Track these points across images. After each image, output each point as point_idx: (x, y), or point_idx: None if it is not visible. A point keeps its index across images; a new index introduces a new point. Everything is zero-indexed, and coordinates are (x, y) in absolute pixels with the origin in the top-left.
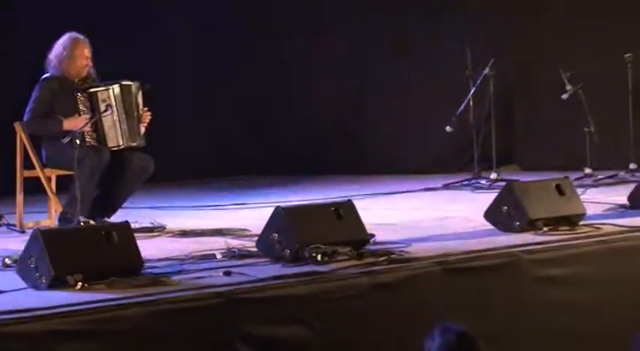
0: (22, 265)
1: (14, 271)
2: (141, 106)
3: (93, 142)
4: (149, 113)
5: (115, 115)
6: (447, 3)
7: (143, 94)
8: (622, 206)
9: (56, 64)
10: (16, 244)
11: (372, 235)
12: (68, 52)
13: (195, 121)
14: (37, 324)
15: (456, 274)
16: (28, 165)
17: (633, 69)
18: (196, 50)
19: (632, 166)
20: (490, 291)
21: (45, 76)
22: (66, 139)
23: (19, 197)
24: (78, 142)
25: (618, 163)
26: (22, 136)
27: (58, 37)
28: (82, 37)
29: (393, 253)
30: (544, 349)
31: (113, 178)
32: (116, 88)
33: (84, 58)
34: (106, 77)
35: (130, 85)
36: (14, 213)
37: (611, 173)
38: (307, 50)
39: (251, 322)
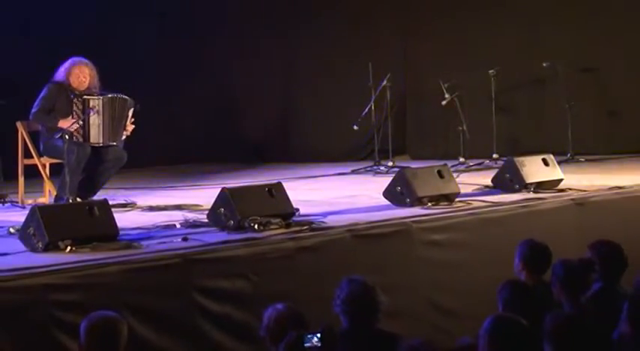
0: (22, 233)
1: (17, 238)
2: (129, 119)
3: (80, 138)
4: (133, 126)
5: (100, 119)
6: (352, 29)
7: (134, 111)
8: (487, 186)
9: (62, 73)
10: (18, 217)
11: (297, 209)
12: (71, 66)
13: (159, 118)
14: (35, 279)
15: (362, 239)
16: (28, 155)
17: (496, 81)
18: (161, 55)
19: (494, 155)
20: (388, 252)
21: (52, 80)
22: (57, 135)
23: (21, 180)
24: (67, 137)
25: (484, 153)
26: (22, 132)
27: None
28: (86, 60)
29: (313, 223)
30: (429, 297)
31: (94, 167)
32: (106, 98)
33: (82, 75)
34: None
35: (124, 99)
36: (17, 192)
37: (478, 161)
38: (249, 66)
39: (203, 276)
